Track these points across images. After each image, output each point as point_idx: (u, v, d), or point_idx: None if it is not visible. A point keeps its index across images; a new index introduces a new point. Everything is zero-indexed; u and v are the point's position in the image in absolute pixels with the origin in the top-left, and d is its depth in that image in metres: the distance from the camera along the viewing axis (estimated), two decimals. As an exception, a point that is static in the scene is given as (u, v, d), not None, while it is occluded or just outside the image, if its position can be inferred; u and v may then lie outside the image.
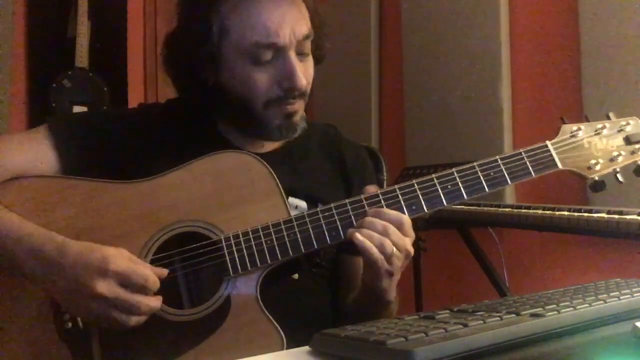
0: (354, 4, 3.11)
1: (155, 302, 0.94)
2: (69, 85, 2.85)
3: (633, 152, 1.04)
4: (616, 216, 1.52)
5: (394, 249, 0.96)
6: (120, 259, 0.93)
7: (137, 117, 1.18)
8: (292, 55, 1.05)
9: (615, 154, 1.04)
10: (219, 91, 1.11)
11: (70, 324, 0.99)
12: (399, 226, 0.97)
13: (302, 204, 1.13)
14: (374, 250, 0.95)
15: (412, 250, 0.99)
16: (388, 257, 0.96)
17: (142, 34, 3.17)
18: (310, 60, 1.11)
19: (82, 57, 2.85)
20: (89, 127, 1.14)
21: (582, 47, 2.16)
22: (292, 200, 1.11)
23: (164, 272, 0.97)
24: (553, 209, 1.70)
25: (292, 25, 1.04)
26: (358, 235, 0.96)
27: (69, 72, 2.85)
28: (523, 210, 1.79)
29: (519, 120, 2.42)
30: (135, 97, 3.03)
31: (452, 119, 2.62)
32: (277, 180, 1.03)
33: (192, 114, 1.18)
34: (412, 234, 0.99)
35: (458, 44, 2.60)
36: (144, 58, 3.16)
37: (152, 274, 0.93)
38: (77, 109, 2.84)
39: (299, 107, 1.10)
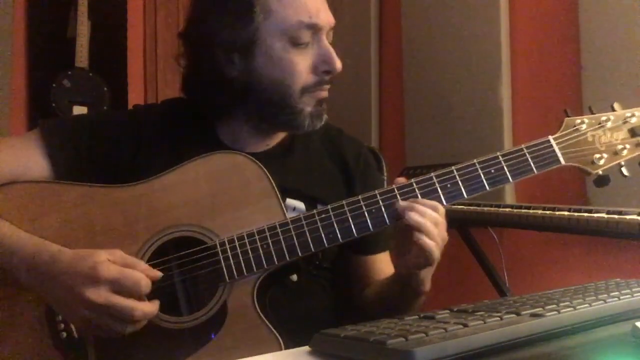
0: (354, 4, 3.10)
1: (150, 308, 0.92)
2: (69, 85, 2.84)
3: (638, 145, 1.01)
4: (616, 216, 1.52)
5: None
6: (110, 264, 0.90)
7: (129, 120, 1.17)
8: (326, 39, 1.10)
9: (620, 147, 1.01)
10: (243, 84, 1.09)
11: (64, 334, 0.97)
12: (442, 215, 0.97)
13: (300, 205, 1.11)
14: (432, 236, 0.94)
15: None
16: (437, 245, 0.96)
17: (142, 34, 3.17)
18: None
19: (82, 57, 2.85)
20: (81, 131, 1.13)
21: (582, 47, 2.15)
22: (290, 202, 1.10)
23: (157, 274, 0.94)
24: (553, 209, 1.70)
25: (327, 11, 1.11)
26: (418, 218, 0.94)
27: (69, 72, 2.84)
28: (523, 210, 1.79)
29: (519, 120, 2.42)
30: (135, 97, 3.03)
31: (452, 119, 2.62)
32: (272, 181, 1.01)
33: (189, 115, 1.16)
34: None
35: (458, 44, 2.60)
36: (144, 58, 3.15)
37: (143, 277, 0.91)
38: (77, 109, 2.84)
39: (327, 94, 1.14)
